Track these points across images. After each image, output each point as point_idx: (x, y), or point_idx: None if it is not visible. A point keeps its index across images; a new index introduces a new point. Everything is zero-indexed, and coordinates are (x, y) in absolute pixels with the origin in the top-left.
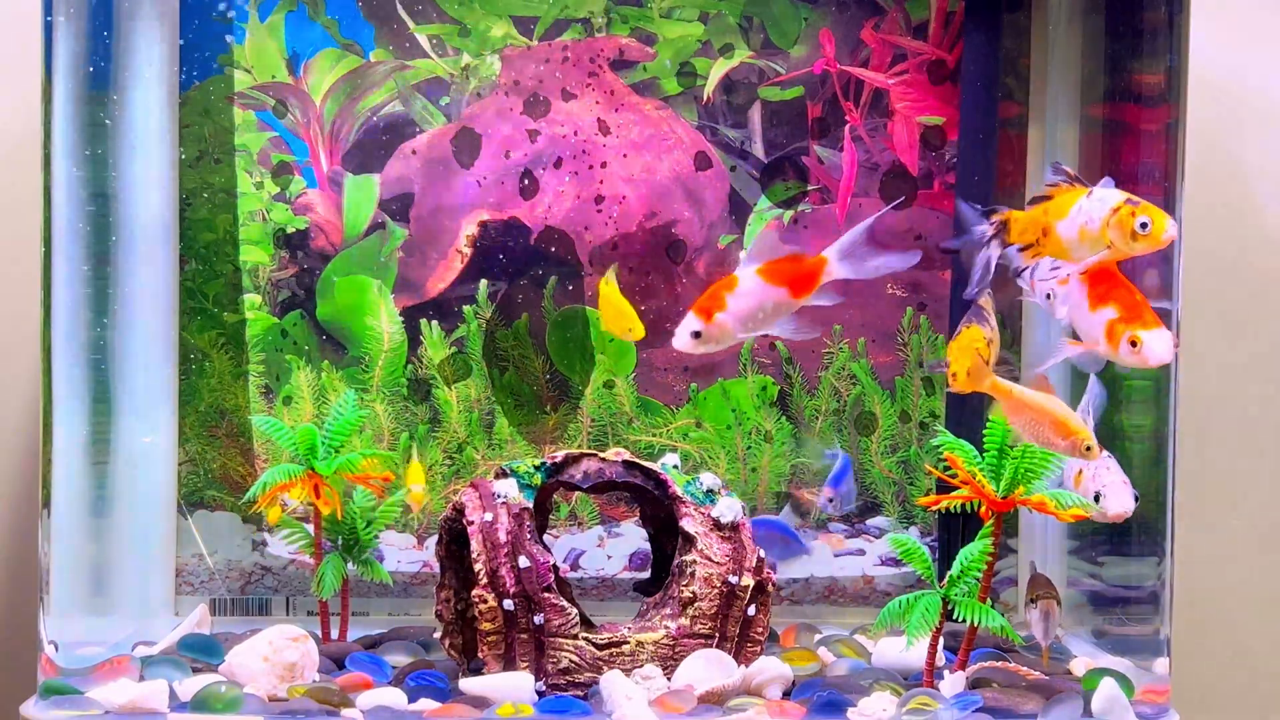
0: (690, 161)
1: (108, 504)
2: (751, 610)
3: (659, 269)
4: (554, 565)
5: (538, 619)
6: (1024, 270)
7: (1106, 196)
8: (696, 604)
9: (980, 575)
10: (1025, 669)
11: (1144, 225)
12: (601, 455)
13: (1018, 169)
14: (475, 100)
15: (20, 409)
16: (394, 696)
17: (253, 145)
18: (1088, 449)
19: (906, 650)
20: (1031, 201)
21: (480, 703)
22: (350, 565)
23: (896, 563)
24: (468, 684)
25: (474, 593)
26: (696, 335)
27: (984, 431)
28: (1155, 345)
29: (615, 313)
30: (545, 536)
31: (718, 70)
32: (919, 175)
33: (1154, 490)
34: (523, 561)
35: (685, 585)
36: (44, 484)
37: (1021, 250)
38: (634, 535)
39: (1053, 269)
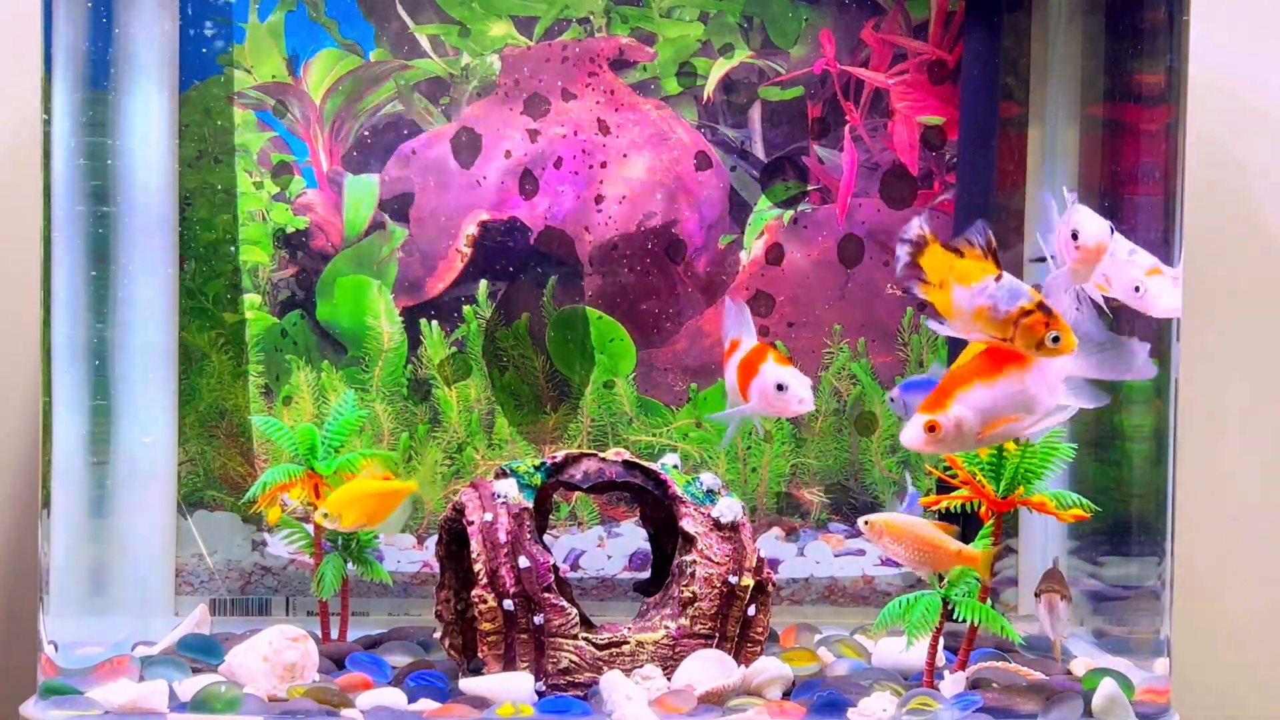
0: (690, 161)
1: (108, 504)
2: (751, 610)
3: (659, 269)
4: (554, 565)
5: (538, 619)
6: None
7: (1015, 291)
8: (696, 604)
9: (980, 575)
10: (1025, 669)
11: (1055, 339)
12: (601, 455)
13: (1018, 169)
14: (475, 100)
15: (20, 409)
16: (394, 696)
17: (253, 145)
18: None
19: (906, 650)
20: (948, 246)
21: (480, 703)
22: (350, 565)
23: (897, 563)
24: (468, 684)
25: (474, 593)
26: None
27: None
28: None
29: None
30: (545, 536)
31: (718, 70)
32: (919, 175)
33: (1154, 490)
34: (522, 561)
35: (685, 585)
36: (44, 484)
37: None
38: (634, 535)
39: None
